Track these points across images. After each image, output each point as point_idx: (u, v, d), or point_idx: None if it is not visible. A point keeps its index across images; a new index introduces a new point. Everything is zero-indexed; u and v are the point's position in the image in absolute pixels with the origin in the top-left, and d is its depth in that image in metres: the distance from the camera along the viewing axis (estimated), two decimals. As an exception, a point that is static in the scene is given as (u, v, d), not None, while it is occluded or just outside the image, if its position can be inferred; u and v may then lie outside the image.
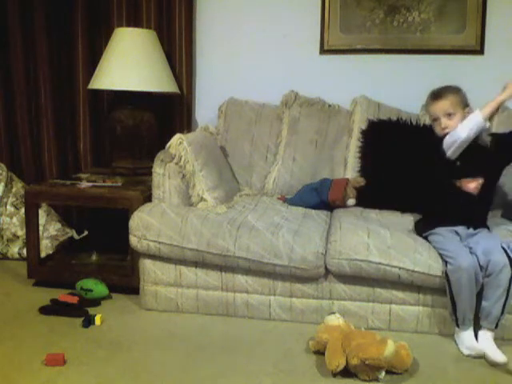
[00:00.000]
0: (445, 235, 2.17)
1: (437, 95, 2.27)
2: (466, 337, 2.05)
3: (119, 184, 2.68)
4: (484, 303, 2.03)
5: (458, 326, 2.07)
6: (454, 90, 2.27)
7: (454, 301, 2.04)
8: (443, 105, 2.24)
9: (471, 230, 2.20)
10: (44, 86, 3.15)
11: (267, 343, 2.11)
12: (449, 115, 2.22)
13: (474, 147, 2.18)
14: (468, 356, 2.02)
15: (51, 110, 3.17)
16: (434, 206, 2.31)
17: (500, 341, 2.06)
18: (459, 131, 2.15)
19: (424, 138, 2.50)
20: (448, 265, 2.05)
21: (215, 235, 2.25)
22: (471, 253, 2.06)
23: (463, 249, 2.08)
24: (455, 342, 2.10)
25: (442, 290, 2.11)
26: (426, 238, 2.24)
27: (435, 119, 2.28)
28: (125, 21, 3.11)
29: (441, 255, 2.11)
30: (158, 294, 2.38)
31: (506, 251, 2.03)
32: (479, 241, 2.11)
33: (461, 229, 2.19)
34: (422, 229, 2.28)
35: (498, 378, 1.87)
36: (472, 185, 2.11)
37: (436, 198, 2.30)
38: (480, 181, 2.13)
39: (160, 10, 3.08)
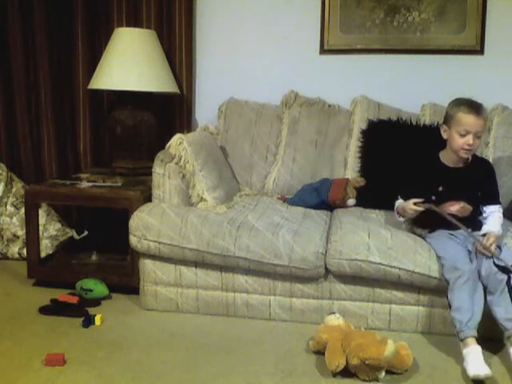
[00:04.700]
0: (443, 238, 2.16)
1: (478, 111, 2.11)
2: (467, 349, 1.86)
3: (119, 184, 2.68)
4: (493, 308, 1.95)
5: (459, 337, 1.90)
6: (486, 112, 2.17)
7: (451, 305, 1.97)
8: (481, 124, 2.11)
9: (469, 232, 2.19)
10: (44, 86, 3.15)
11: (267, 343, 2.11)
12: (478, 137, 2.13)
13: (457, 173, 2.19)
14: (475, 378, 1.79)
15: (51, 110, 3.16)
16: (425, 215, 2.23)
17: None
18: (396, 215, 2.28)
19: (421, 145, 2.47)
20: (444, 267, 2.05)
21: (215, 235, 2.25)
22: (470, 256, 2.06)
23: (461, 252, 2.07)
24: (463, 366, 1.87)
25: (441, 290, 2.11)
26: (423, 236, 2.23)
27: (466, 132, 2.10)
28: (125, 21, 3.11)
29: (438, 258, 2.10)
30: (158, 294, 2.38)
31: (493, 261, 2.01)
32: (473, 246, 2.11)
33: (458, 232, 2.16)
34: (422, 228, 2.27)
35: (498, 377, 1.86)
36: (454, 207, 2.07)
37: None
38: (462, 204, 2.07)
39: (160, 10, 3.08)
